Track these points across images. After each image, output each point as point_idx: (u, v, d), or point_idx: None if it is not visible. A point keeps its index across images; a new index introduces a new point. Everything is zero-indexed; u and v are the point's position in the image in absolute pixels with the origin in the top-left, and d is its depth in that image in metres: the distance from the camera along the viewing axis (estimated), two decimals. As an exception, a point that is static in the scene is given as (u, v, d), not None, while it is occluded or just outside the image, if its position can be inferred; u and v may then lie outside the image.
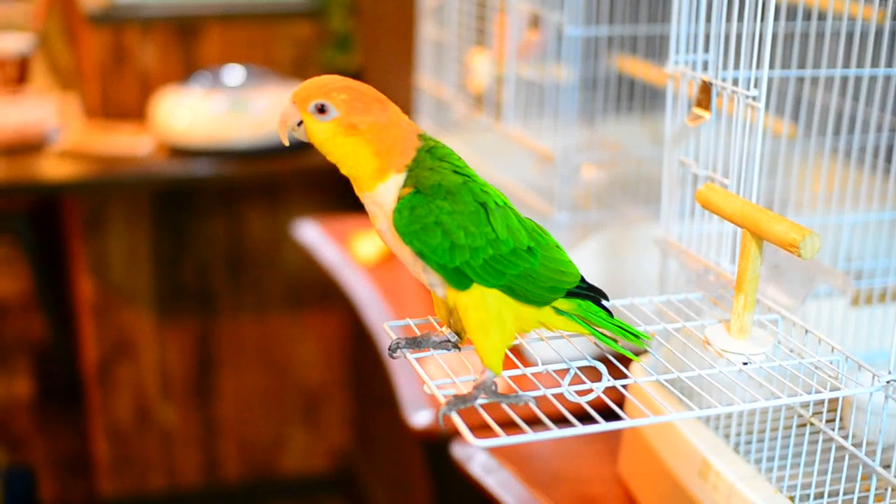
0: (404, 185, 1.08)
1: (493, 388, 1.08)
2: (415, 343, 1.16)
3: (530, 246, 1.10)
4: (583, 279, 1.14)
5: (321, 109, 1.08)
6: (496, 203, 1.09)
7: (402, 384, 1.81)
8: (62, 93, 3.51)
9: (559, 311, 1.13)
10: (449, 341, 1.15)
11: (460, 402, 1.07)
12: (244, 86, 3.23)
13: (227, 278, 3.53)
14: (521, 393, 1.08)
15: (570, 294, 1.12)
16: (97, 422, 3.54)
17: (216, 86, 3.21)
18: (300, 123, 1.10)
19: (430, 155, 1.10)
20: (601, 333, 1.15)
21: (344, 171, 1.10)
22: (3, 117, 3.18)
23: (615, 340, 1.16)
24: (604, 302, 1.15)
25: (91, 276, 3.40)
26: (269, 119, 3.18)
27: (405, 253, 1.09)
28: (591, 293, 1.14)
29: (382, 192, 1.08)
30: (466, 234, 1.07)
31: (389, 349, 1.17)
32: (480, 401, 1.07)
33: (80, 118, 3.36)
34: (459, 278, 1.07)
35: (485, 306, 1.08)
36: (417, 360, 1.13)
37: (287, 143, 1.13)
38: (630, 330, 1.16)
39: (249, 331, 3.58)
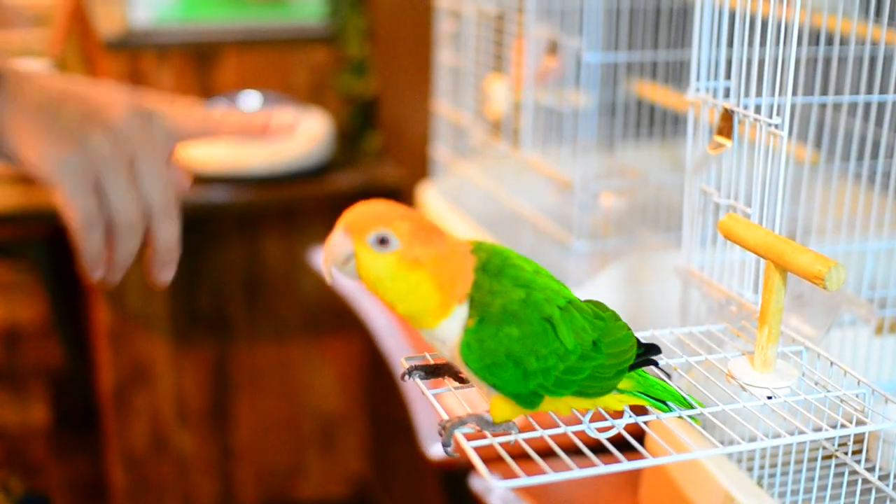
0: (469, 316, 0.99)
1: (489, 420, 1.03)
2: (431, 372, 1.10)
3: (595, 340, 1.02)
4: (638, 342, 1.07)
5: (382, 241, 0.96)
6: (559, 308, 1.01)
7: (419, 414, 1.79)
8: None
9: (620, 391, 1.07)
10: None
11: (452, 425, 1.01)
12: (260, 112, 3.22)
13: (243, 304, 3.51)
14: (512, 424, 1.03)
15: (631, 367, 1.06)
16: (113, 448, 3.53)
17: (232, 112, 3.20)
18: (350, 257, 0.98)
19: (486, 274, 1.00)
20: (657, 401, 1.09)
21: (401, 310, 0.99)
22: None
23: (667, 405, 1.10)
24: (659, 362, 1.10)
25: (107, 303, 3.39)
26: (286, 145, 3.17)
27: (474, 378, 1.02)
28: (646, 357, 1.08)
29: (446, 329, 0.99)
30: (538, 358, 0.99)
31: (402, 376, 1.11)
32: (466, 429, 1.02)
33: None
34: (532, 399, 1.01)
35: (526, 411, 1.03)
36: (436, 395, 1.10)
37: (331, 282, 1.01)
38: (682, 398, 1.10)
39: (266, 357, 3.57)
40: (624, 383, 1.07)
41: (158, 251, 1.08)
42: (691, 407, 1.10)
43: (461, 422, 1.02)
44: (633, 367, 1.07)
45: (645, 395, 1.09)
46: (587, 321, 1.03)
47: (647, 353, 1.08)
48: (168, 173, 1.06)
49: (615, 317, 1.08)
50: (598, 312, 1.06)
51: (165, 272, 1.11)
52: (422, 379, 1.10)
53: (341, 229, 0.98)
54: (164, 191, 1.05)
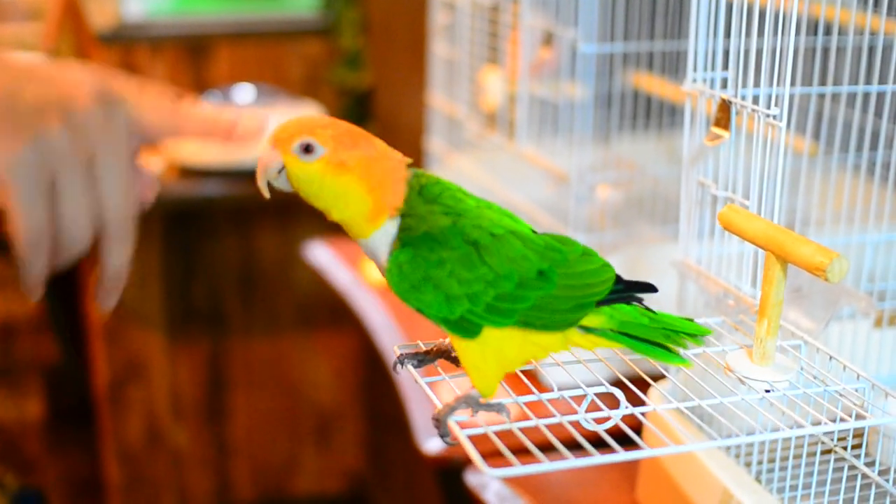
0: (396, 237, 1.00)
1: (477, 398, 1.03)
2: (423, 360, 1.10)
3: (542, 269, 1.01)
4: (619, 279, 1.05)
5: (307, 149, 0.98)
6: (492, 234, 1.00)
7: (414, 409, 1.78)
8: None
9: (587, 330, 1.04)
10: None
11: (444, 413, 1.01)
12: (254, 105, 3.21)
13: (238, 299, 3.50)
14: (502, 402, 1.03)
15: (601, 303, 1.03)
16: (108, 444, 3.52)
17: (226, 105, 3.19)
18: (281, 170, 1.00)
19: (421, 199, 1.01)
20: (643, 342, 1.06)
21: (335, 216, 1.01)
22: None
23: (663, 346, 1.06)
24: (644, 298, 1.06)
25: (101, 298, 3.37)
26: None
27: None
28: (628, 294, 1.05)
29: (376, 241, 1.01)
30: (460, 282, 0.99)
31: (394, 366, 1.11)
32: (459, 417, 1.02)
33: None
34: (466, 327, 1.00)
35: (484, 352, 1.01)
36: (430, 384, 1.09)
37: (268, 196, 1.02)
38: (676, 326, 1.06)
39: (261, 352, 3.56)
40: (594, 320, 1.04)
41: (105, 275, 0.95)
42: (692, 336, 1.07)
43: (451, 409, 1.02)
44: (603, 303, 1.04)
45: (621, 334, 1.05)
46: (531, 250, 1.02)
47: (628, 290, 1.05)
48: (131, 179, 0.93)
49: (585, 251, 1.05)
50: (554, 244, 1.04)
51: (108, 300, 0.97)
52: (414, 367, 1.10)
53: (269, 143, 1.00)
54: (124, 202, 0.93)
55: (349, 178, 0.99)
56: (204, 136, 1.00)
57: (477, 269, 0.99)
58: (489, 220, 1.02)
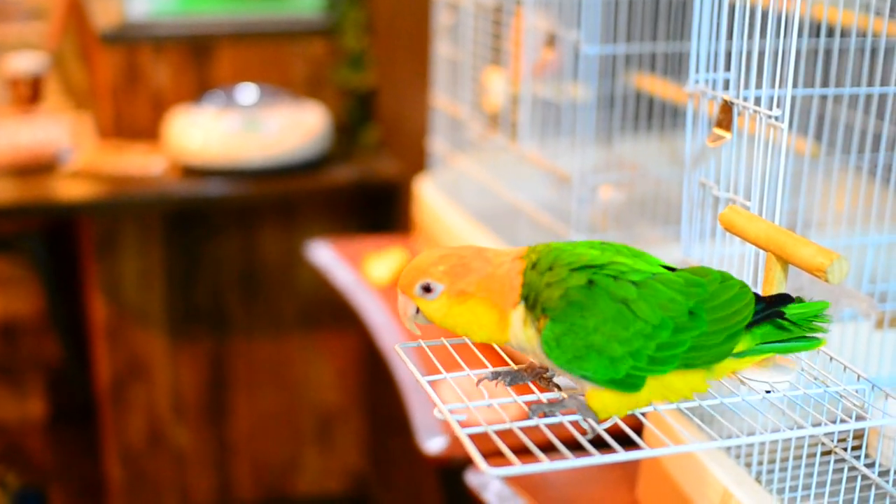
0: (535, 316, 1.03)
1: (584, 402, 1.05)
2: (514, 376, 1.12)
3: (691, 309, 1.02)
4: (758, 298, 1.06)
5: (427, 289, 1.05)
6: (634, 284, 1.02)
7: (415, 409, 1.77)
8: (76, 113, 3.50)
9: (738, 356, 1.06)
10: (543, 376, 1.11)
11: (553, 407, 1.05)
12: (257, 105, 3.21)
13: (240, 299, 3.50)
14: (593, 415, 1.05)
15: (749, 326, 1.05)
16: (110, 443, 3.52)
17: (229, 105, 3.19)
18: (417, 311, 1.07)
19: (536, 271, 1.04)
20: (788, 343, 1.07)
21: (475, 337, 1.07)
22: (16, 137, 3.17)
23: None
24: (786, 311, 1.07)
25: (104, 297, 3.38)
26: (283, 138, 3.16)
27: (568, 375, 1.05)
28: (772, 311, 1.06)
29: (517, 336, 1.05)
30: (620, 342, 1.00)
31: (478, 382, 1.12)
32: (570, 416, 1.04)
33: (93, 138, 3.35)
34: (632, 382, 1.02)
35: (630, 399, 1.04)
36: (430, 383, 1.10)
37: (418, 333, 1.10)
38: (812, 312, 1.07)
39: (263, 351, 3.56)
40: (744, 344, 1.05)
41: None
42: (817, 341, 1.08)
43: (559, 405, 1.05)
44: (751, 326, 1.05)
45: (771, 343, 1.07)
46: (676, 291, 1.03)
47: (768, 306, 1.06)
48: None
49: (723, 277, 1.06)
50: (694, 278, 1.05)
51: None
52: (507, 384, 1.12)
53: (399, 292, 1.08)
54: None
55: (474, 302, 1.05)
56: None
57: (633, 326, 1.01)
58: (625, 267, 1.04)
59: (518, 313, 1.04)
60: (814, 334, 1.08)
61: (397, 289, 1.08)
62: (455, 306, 1.05)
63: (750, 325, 1.05)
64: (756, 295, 1.06)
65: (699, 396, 1.09)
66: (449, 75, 2.29)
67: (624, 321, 1.00)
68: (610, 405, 1.04)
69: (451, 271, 1.05)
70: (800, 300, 1.09)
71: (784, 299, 1.07)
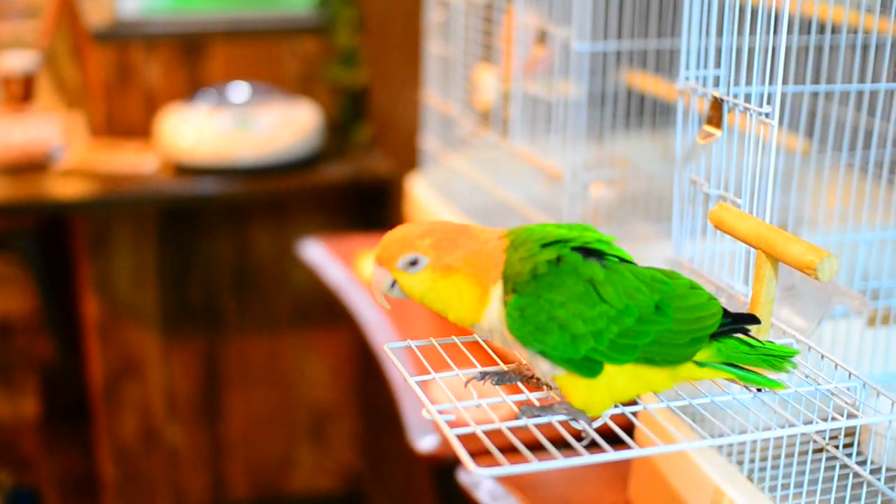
0: (505, 293, 1.03)
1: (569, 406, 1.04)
2: (502, 376, 1.11)
3: (657, 303, 1.03)
4: (726, 312, 1.06)
5: (412, 263, 1.04)
6: (601, 268, 1.02)
7: (407, 408, 1.77)
8: (68, 111, 3.50)
9: (700, 364, 1.06)
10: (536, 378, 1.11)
11: (543, 410, 1.04)
12: (249, 103, 3.20)
13: (233, 297, 3.50)
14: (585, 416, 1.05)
15: (713, 336, 1.05)
16: (103, 441, 3.51)
17: (221, 103, 3.19)
18: (393, 284, 1.06)
19: (513, 248, 1.04)
20: (748, 372, 1.07)
21: (452, 316, 1.05)
22: (8, 135, 3.16)
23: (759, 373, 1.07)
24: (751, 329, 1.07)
25: (97, 295, 3.37)
26: (275, 136, 3.15)
27: (524, 353, 1.04)
28: (738, 326, 1.06)
29: (491, 316, 1.04)
30: (584, 320, 1.00)
31: (466, 382, 1.12)
32: (559, 416, 1.04)
33: (86, 136, 3.34)
34: (589, 366, 1.01)
35: (593, 389, 1.03)
36: (419, 383, 1.09)
37: (388, 307, 1.09)
38: (775, 352, 1.07)
39: (256, 350, 3.55)
40: (705, 354, 1.05)
41: None
42: (782, 361, 1.07)
43: (549, 411, 1.04)
44: (715, 336, 1.05)
45: (731, 366, 1.06)
46: (642, 282, 1.03)
47: (734, 322, 1.06)
48: None
49: (692, 285, 1.07)
50: (661, 276, 1.05)
51: None
52: (495, 384, 1.11)
53: (375, 262, 1.06)
54: None
55: (458, 278, 1.04)
56: None
57: (598, 306, 1.01)
58: (590, 238, 1.05)
59: (497, 290, 1.03)
60: (780, 357, 1.07)
61: (374, 261, 1.06)
62: (438, 280, 1.04)
63: (715, 336, 1.05)
64: (725, 310, 1.07)
65: (691, 395, 1.09)
66: (440, 73, 2.29)
67: (590, 300, 1.01)
68: (584, 394, 1.03)
69: (438, 245, 1.04)
70: (777, 345, 1.09)
71: (751, 319, 1.08)
